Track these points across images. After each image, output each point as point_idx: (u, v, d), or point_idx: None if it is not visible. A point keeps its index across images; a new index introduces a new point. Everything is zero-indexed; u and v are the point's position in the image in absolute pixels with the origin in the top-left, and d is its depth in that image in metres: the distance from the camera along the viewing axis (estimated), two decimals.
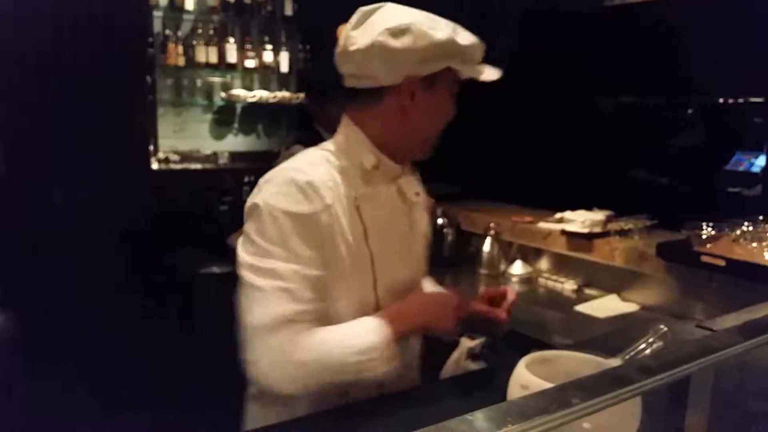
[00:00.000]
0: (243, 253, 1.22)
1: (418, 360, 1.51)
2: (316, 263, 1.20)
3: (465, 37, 1.28)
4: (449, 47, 1.24)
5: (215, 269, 3.34)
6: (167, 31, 3.99)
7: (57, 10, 3.42)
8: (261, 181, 1.27)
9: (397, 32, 1.22)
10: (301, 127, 3.72)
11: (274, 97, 4.24)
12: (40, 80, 3.41)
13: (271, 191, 1.22)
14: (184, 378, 3.01)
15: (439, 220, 2.93)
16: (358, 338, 1.18)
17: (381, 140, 1.32)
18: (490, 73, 1.32)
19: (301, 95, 4.01)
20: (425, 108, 1.29)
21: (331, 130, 3.11)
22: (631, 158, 3.37)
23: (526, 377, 0.97)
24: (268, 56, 4.22)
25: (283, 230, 1.19)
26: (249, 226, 1.23)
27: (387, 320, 1.22)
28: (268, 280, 1.16)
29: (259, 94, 4.22)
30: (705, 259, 2.01)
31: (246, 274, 1.19)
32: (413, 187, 1.43)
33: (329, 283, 1.23)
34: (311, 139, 2.74)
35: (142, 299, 3.36)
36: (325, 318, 1.22)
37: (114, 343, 3.14)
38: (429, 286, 1.64)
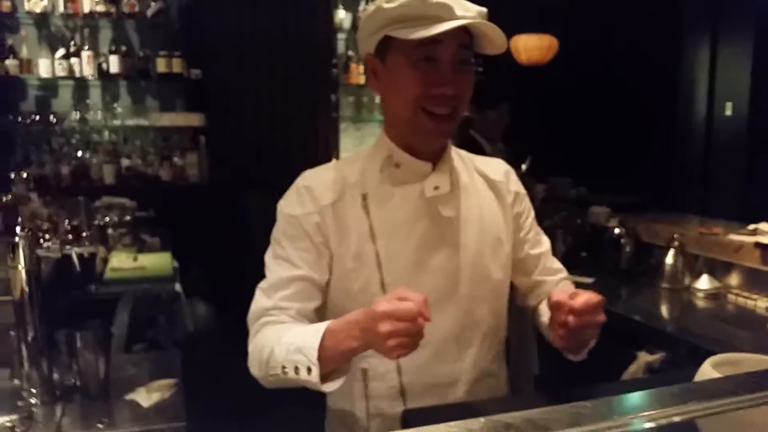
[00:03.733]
0: None
1: (503, 366, 1.40)
2: (296, 264, 1.21)
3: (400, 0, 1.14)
4: (379, 15, 1.17)
5: None
6: (350, 52, 4.27)
7: (258, 36, 3.81)
8: None
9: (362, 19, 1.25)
10: (460, 135, 3.80)
11: None
12: (241, 99, 3.83)
13: (285, 195, 1.29)
14: None
15: (616, 230, 2.84)
16: (300, 338, 1.08)
17: (391, 134, 1.27)
18: (437, 28, 1.11)
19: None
20: (386, 84, 1.23)
21: (488, 137, 3.14)
22: None
23: (712, 376, 0.94)
24: None
25: (279, 229, 1.26)
26: None
27: (330, 329, 1.07)
28: (263, 281, 1.25)
29: None
30: None
31: None
32: (434, 180, 1.26)
33: (337, 277, 1.24)
34: (468, 146, 2.80)
35: None
36: (310, 313, 1.22)
37: None
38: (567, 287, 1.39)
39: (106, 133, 4.06)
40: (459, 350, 1.27)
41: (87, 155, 3.93)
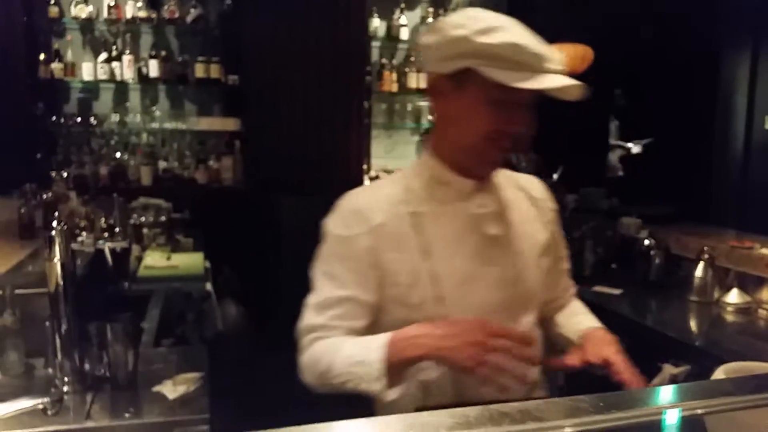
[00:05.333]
0: None
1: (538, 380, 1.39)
2: (345, 284, 1.25)
3: (497, 37, 1.12)
4: (465, 45, 1.14)
5: None
6: (383, 60, 4.31)
7: (294, 44, 3.89)
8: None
9: (431, 29, 1.23)
10: None
11: None
12: (277, 104, 3.90)
13: (332, 215, 1.32)
14: None
15: (646, 242, 2.81)
16: (361, 351, 1.16)
17: (442, 153, 1.29)
18: (533, 83, 1.12)
19: None
20: (455, 111, 1.23)
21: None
22: None
23: None
24: None
25: (328, 248, 1.30)
26: None
27: (392, 341, 1.15)
28: (312, 296, 1.29)
29: None
30: None
31: None
32: (481, 198, 1.30)
33: (394, 294, 1.25)
34: None
35: None
36: (359, 331, 1.25)
37: None
38: (576, 310, 1.49)
39: (145, 136, 4.16)
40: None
41: (125, 157, 4.04)
